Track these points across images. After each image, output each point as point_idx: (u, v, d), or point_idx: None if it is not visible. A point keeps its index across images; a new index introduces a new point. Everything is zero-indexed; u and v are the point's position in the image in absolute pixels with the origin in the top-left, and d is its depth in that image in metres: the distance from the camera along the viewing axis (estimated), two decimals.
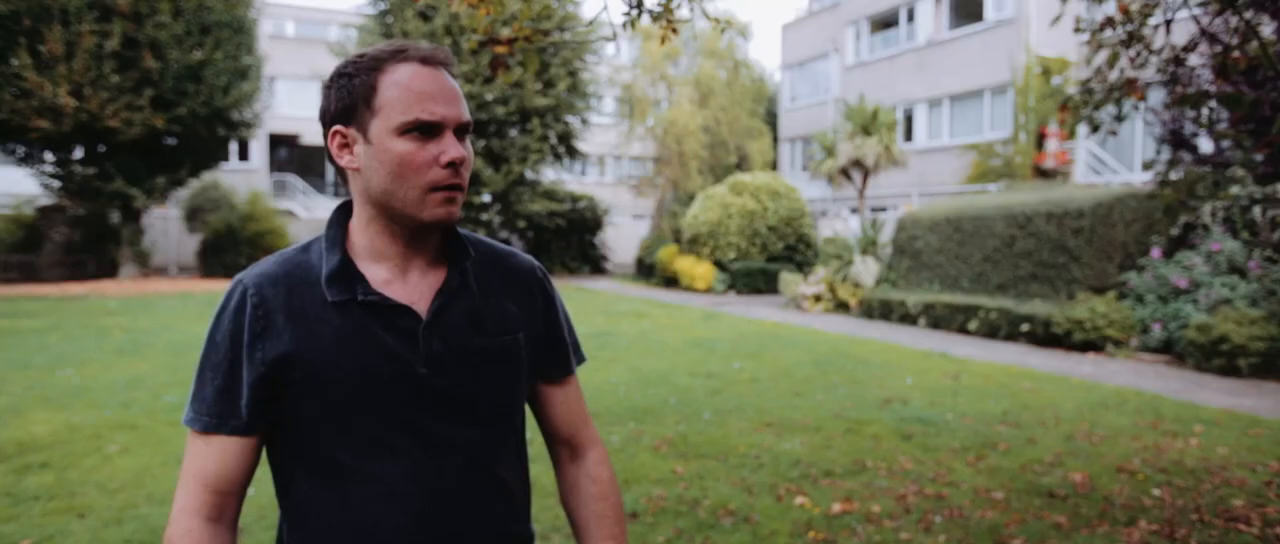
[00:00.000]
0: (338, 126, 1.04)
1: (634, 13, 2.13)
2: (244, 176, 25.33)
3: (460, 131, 1.04)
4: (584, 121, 22.09)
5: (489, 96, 18.87)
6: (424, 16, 18.92)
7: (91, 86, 15.46)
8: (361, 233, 1.08)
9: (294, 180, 28.59)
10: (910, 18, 20.67)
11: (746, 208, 17.68)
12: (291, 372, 1.02)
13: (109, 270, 18.08)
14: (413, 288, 1.08)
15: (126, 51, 15.84)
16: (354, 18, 22.63)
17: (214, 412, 1.03)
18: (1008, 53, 17.67)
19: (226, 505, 1.05)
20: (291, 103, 28.65)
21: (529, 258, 1.22)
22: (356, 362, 1.03)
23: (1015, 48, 17.53)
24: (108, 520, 3.60)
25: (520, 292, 1.17)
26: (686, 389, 6.61)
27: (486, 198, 20.29)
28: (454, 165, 1.01)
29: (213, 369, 1.04)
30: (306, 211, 26.69)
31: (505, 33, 2.10)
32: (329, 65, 24.23)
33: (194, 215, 21.25)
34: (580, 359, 1.26)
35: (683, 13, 2.05)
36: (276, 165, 29.46)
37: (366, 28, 19.99)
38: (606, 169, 32.58)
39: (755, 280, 17.14)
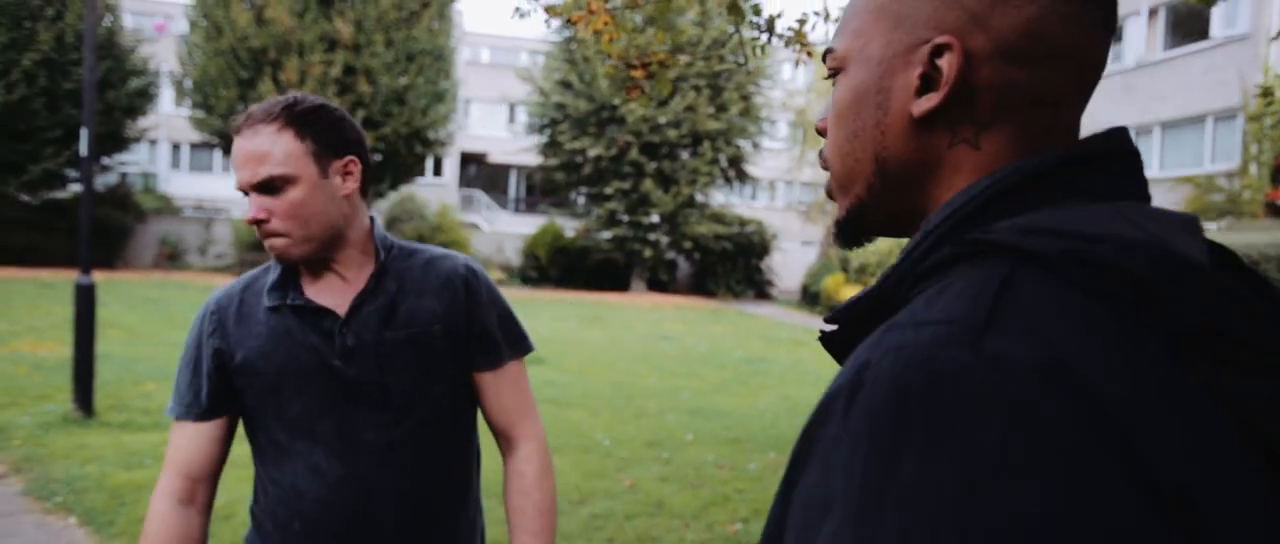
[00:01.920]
0: None
1: (764, 37, 2.12)
2: (436, 190, 27.54)
3: (262, 187, 1.16)
4: (755, 145, 22.02)
5: (662, 119, 19.31)
6: None
7: None
8: None
9: (480, 195, 30.71)
10: (1118, 38, 18.85)
11: None
12: (233, 364, 1.23)
13: None
14: (338, 293, 1.25)
15: (345, 78, 17.83)
16: (541, 45, 24.06)
17: (183, 401, 1.26)
18: (1239, 73, 15.63)
19: (196, 491, 1.25)
20: (482, 124, 30.87)
21: (457, 260, 1.33)
22: (283, 356, 1.21)
23: (1249, 67, 15.47)
24: None
25: (442, 289, 1.28)
26: None
27: (655, 218, 20.72)
28: (256, 222, 1.17)
29: (184, 366, 1.27)
30: (489, 225, 28.54)
31: (642, 56, 2.16)
32: (516, 89, 25.92)
33: (391, 225, 23.38)
34: (520, 352, 1.34)
35: (818, 35, 2.01)
36: (465, 181, 31.78)
37: (552, 53, 21.17)
38: (777, 194, 32.21)
39: None
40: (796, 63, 2.13)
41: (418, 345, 1.24)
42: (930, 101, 0.52)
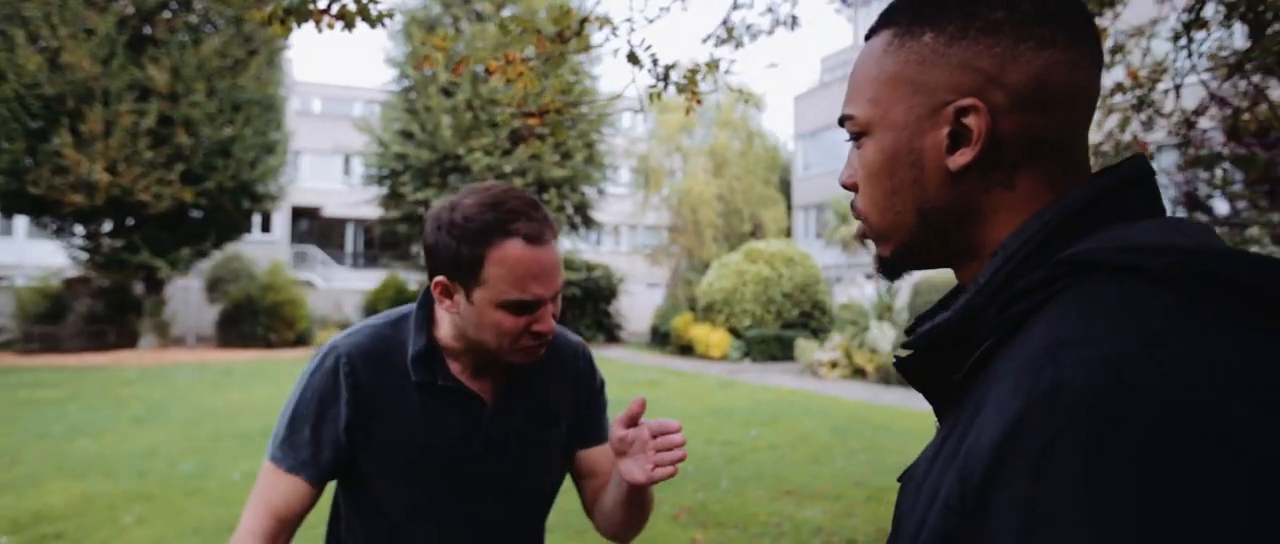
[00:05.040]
0: (442, 278, 1.15)
1: (660, 85, 2.22)
2: (266, 248, 25.78)
3: (554, 297, 1.15)
4: (600, 192, 22.42)
5: (507, 168, 19.25)
6: (446, 93, 19.49)
7: (125, 163, 15.95)
8: (448, 336, 1.21)
9: (314, 251, 29.05)
10: None
11: (761, 275, 17.70)
12: (369, 438, 1.18)
13: (129, 341, 18.27)
14: (480, 377, 1.23)
15: (161, 129, 16.38)
16: (378, 95, 23.38)
17: (297, 456, 1.18)
18: None
19: (281, 534, 1.19)
20: (315, 176, 29.38)
21: (575, 341, 1.36)
22: (426, 437, 1.18)
23: None
24: None
25: (566, 375, 1.31)
26: (703, 457, 6.52)
27: None
28: (542, 335, 1.14)
29: (302, 420, 1.18)
30: (325, 282, 26.99)
31: (539, 105, 2.20)
32: (352, 140, 24.92)
33: (215, 286, 21.55)
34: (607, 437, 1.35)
35: (706, 85, 2.16)
36: (297, 236, 29.99)
37: (391, 104, 20.61)
38: (621, 238, 32.86)
39: (770, 347, 17.03)
40: (686, 111, 2.24)
41: (549, 442, 1.27)
42: (965, 157, 0.58)
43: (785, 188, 29.94)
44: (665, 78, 2.22)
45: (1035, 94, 0.57)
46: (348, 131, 25.09)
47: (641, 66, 2.14)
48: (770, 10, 3.23)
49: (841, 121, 0.66)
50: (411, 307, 1.24)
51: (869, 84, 0.63)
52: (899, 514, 0.62)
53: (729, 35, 2.85)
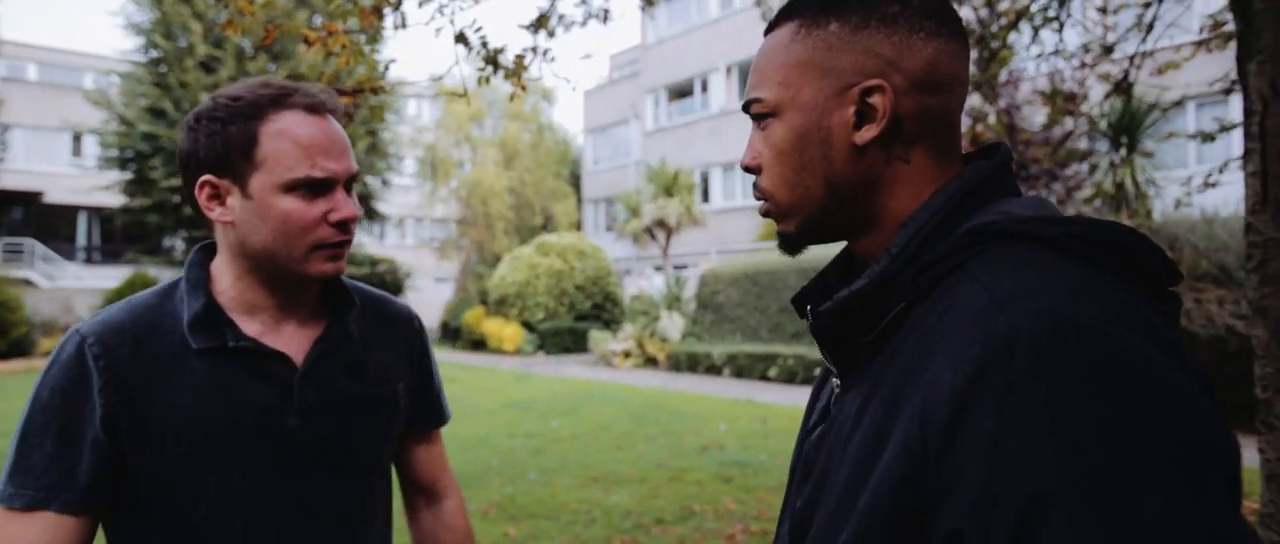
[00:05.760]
0: (208, 177, 0.96)
1: (488, 69, 2.16)
2: None
3: (349, 183, 1.00)
4: (384, 183, 21.31)
5: None
6: (206, 68, 17.47)
7: None
8: (232, 284, 1.01)
9: (32, 245, 24.77)
10: (704, 88, 22.28)
11: (553, 268, 17.81)
12: (142, 428, 0.93)
13: None
14: (289, 339, 1.03)
15: None
16: (117, 64, 20.41)
17: (41, 484, 0.90)
18: None
19: None
20: (33, 156, 25.07)
21: (404, 306, 1.20)
22: (220, 413, 0.96)
23: None
24: None
25: (398, 341, 1.15)
26: (508, 451, 6.46)
27: None
28: (344, 223, 0.98)
29: (40, 434, 0.91)
30: (48, 281, 23.16)
31: (354, 83, 2.04)
32: (83, 115, 21.57)
33: None
34: (448, 414, 1.25)
35: (532, 72, 2.15)
36: (9, 227, 25.44)
37: (135, 76, 18.09)
38: (407, 231, 31.50)
39: (564, 340, 17.22)
40: (511, 97, 2.19)
41: (383, 404, 1.09)
42: (871, 132, 0.64)
43: (575, 182, 30.34)
44: (493, 61, 2.17)
45: (928, 78, 0.64)
46: (78, 105, 21.69)
47: (471, 48, 2.07)
48: (583, 2, 3.26)
49: (746, 106, 0.70)
50: (179, 277, 1.04)
51: (778, 69, 0.67)
52: (817, 469, 0.65)
53: (543, 24, 2.85)
